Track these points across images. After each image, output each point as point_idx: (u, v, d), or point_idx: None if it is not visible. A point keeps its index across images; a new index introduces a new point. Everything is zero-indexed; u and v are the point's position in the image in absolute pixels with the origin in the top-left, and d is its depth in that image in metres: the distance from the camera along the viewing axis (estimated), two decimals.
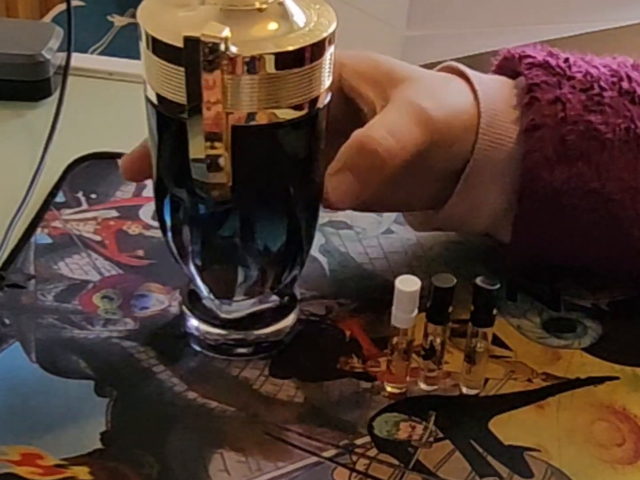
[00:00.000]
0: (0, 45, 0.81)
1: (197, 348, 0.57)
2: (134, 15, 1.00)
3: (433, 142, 0.57)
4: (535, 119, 0.59)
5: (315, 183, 0.55)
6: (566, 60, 0.61)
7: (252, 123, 0.49)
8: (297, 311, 0.59)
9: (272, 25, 0.49)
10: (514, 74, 0.62)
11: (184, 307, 0.58)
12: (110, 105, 0.81)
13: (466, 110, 0.59)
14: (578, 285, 0.64)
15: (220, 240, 0.54)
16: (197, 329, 0.57)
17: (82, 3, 1.01)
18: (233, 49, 0.47)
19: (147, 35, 0.49)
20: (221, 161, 0.49)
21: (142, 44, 0.50)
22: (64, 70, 0.82)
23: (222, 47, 0.46)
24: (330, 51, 0.51)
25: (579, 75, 0.60)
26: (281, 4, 0.50)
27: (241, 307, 0.57)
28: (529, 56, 0.61)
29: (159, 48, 0.49)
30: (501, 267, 0.64)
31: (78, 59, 0.83)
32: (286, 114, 0.50)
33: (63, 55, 0.82)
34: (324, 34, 0.50)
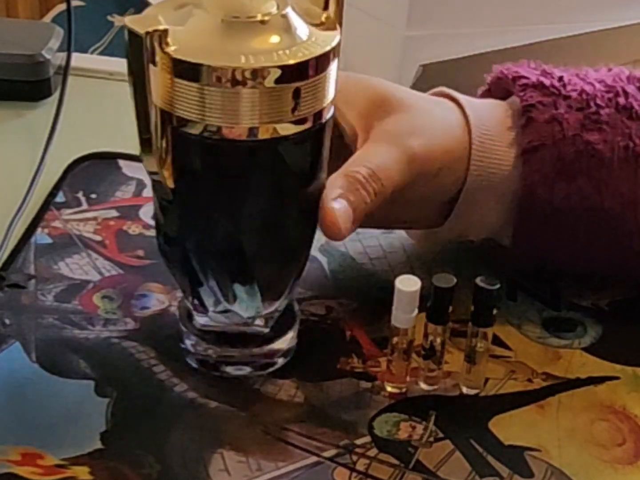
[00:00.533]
0: (0, 45, 0.81)
1: (194, 365, 0.57)
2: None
3: (415, 175, 0.57)
4: (533, 140, 0.58)
5: (316, 200, 0.53)
6: (560, 79, 0.61)
7: (254, 138, 0.49)
8: (295, 329, 0.58)
9: (275, 38, 0.49)
10: (506, 93, 0.62)
11: (180, 324, 0.57)
12: (110, 105, 0.81)
13: (456, 141, 0.58)
14: (578, 285, 0.64)
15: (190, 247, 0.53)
16: (192, 345, 0.57)
17: (82, 3, 1.01)
18: (171, 49, 0.47)
19: (150, 48, 0.48)
20: (152, 147, 0.50)
21: (145, 59, 0.49)
22: (64, 70, 0.82)
23: (148, 42, 0.47)
24: (334, 64, 0.50)
25: (574, 94, 0.60)
26: (284, 16, 0.49)
27: (217, 320, 0.56)
28: (523, 77, 0.61)
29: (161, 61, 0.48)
30: (501, 267, 0.64)
31: (78, 59, 0.83)
32: (289, 128, 0.49)
33: (63, 55, 0.82)
34: (328, 47, 0.49)
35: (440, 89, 0.62)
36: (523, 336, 0.61)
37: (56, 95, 0.80)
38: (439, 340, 0.55)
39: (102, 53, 0.92)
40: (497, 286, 0.54)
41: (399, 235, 0.67)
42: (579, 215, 0.59)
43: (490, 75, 0.63)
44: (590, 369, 0.59)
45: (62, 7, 0.97)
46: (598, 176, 0.58)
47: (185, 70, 0.47)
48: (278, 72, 0.47)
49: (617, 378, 0.58)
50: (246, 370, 0.56)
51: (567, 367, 0.59)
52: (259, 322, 0.56)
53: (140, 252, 0.65)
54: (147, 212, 0.68)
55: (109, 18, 0.99)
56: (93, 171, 0.72)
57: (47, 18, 1.00)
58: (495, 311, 0.55)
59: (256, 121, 0.48)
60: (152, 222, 0.67)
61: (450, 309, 0.54)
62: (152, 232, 0.66)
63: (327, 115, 0.51)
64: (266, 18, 0.49)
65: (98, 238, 0.66)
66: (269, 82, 0.47)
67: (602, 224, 0.59)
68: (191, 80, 0.47)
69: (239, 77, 0.47)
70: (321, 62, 0.49)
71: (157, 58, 0.48)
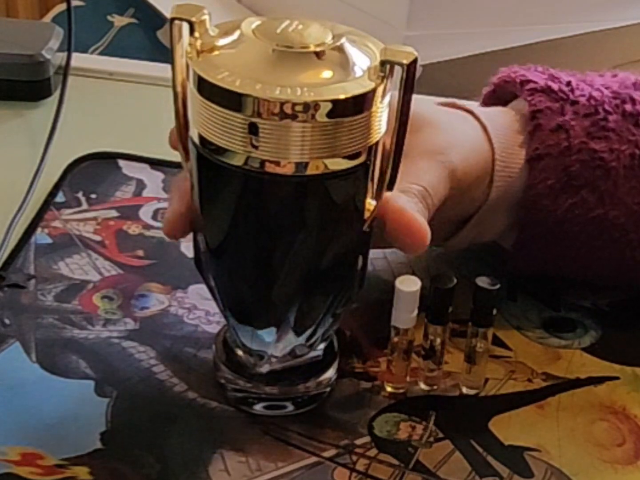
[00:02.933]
0: (0, 45, 0.81)
1: (231, 402, 0.55)
2: (134, 15, 1.00)
3: (451, 190, 0.56)
4: (539, 148, 0.58)
5: (360, 237, 0.51)
6: (568, 83, 0.60)
7: (300, 173, 0.47)
8: (335, 366, 0.56)
9: (328, 70, 0.47)
10: (511, 96, 0.62)
11: (216, 358, 0.55)
12: (110, 105, 0.81)
13: (482, 153, 0.58)
14: (578, 285, 0.64)
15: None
16: (227, 381, 0.55)
17: (82, 3, 1.01)
18: (211, 32, 0.47)
19: (194, 73, 0.47)
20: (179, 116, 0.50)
21: (190, 83, 0.48)
22: (64, 70, 0.82)
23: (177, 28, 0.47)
24: (387, 98, 0.48)
25: (582, 100, 0.59)
26: (339, 47, 0.47)
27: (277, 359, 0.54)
28: (531, 81, 0.60)
29: (204, 87, 0.47)
30: (501, 267, 0.64)
31: (78, 59, 0.83)
32: (340, 163, 0.47)
33: (63, 55, 0.82)
34: (384, 81, 0.47)
35: (450, 101, 0.62)
36: (523, 336, 0.61)
37: (56, 95, 0.80)
38: (439, 340, 0.55)
39: (102, 53, 0.93)
40: (497, 286, 0.53)
41: None
42: (582, 225, 0.58)
43: (496, 76, 0.63)
44: (590, 369, 0.59)
45: (62, 7, 0.97)
46: (603, 187, 0.58)
47: (230, 99, 0.46)
48: (329, 106, 0.45)
49: (617, 378, 0.58)
50: (288, 408, 0.54)
51: (567, 367, 0.59)
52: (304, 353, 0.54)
53: (140, 252, 0.65)
54: (146, 212, 0.68)
55: (109, 18, 1.00)
56: (93, 171, 0.72)
57: (47, 18, 1.00)
58: (495, 311, 0.55)
59: (306, 156, 0.46)
60: (151, 222, 0.67)
61: (450, 309, 0.54)
62: (152, 232, 0.67)
63: (380, 147, 0.49)
64: (319, 49, 0.47)
65: (98, 238, 0.66)
66: (321, 116, 0.45)
67: (605, 235, 0.59)
68: (235, 111, 0.46)
69: (287, 110, 0.45)
70: (375, 96, 0.47)
71: (192, 74, 0.47)
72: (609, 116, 0.59)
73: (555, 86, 0.60)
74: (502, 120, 0.60)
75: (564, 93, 0.59)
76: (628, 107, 0.59)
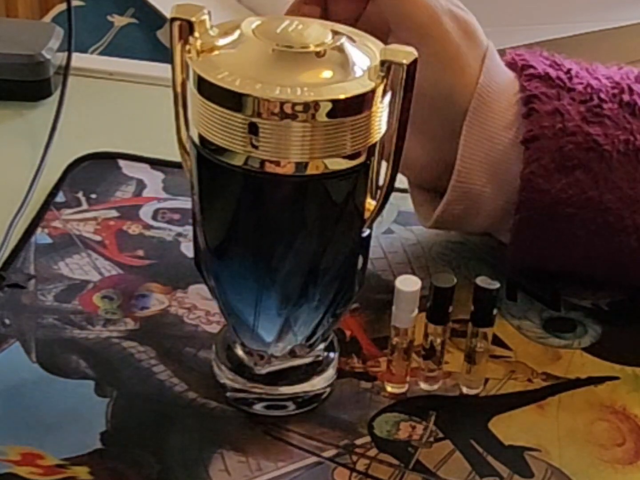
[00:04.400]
0: (0, 45, 0.81)
1: (231, 402, 0.55)
2: (134, 15, 1.00)
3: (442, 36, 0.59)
4: (534, 129, 0.58)
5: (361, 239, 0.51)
6: (568, 71, 0.61)
7: (300, 173, 0.47)
8: (334, 367, 0.55)
9: (328, 70, 0.47)
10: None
11: (216, 358, 0.55)
12: (110, 105, 0.81)
13: (473, 56, 0.60)
14: (578, 285, 0.64)
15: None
16: (228, 380, 0.55)
17: (82, 3, 1.01)
18: (211, 32, 0.47)
19: (194, 73, 0.47)
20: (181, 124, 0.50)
21: (190, 83, 0.48)
22: (64, 70, 0.82)
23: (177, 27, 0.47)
24: (387, 97, 0.48)
25: (579, 87, 0.60)
26: (339, 47, 0.48)
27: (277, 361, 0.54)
28: (531, 66, 0.61)
29: (204, 87, 0.47)
30: (501, 267, 0.64)
31: (78, 59, 0.83)
32: (340, 163, 0.47)
33: (63, 55, 0.82)
34: (384, 81, 0.47)
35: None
36: (523, 336, 0.61)
37: (56, 95, 0.80)
38: (439, 340, 0.55)
39: (102, 53, 0.92)
40: (497, 286, 0.54)
41: (399, 236, 0.67)
42: (577, 209, 0.59)
43: (503, 58, 0.64)
44: (590, 369, 0.59)
45: (62, 7, 0.97)
46: (597, 169, 0.58)
47: (230, 99, 0.46)
48: (329, 106, 0.45)
49: (617, 378, 0.58)
50: (288, 408, 0.54)
51: (567, 367, 0.59)
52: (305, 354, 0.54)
53: (140, 252, 0.65)
54: (147, 212, 0.68)
55: (109, 18, 1.00)
56: (93, 171, 0.72)
57: (47, 18, 1.00)
58: (495, 311, 0.55)
59: (306, 156, 0.47)
60: (151, 222, 0.67)
61: (450, 309, 0.54)
62: (152, 232, 0.67)
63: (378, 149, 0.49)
64: (319, 49, 0.47)
65: (98, 238, 0.66)
66: (321, 116, 0.46)
67: (600, 219, 0.59)
68: (235, 111, 0.46)
69: (287, 110, 0.45)
70: (375, 96, 0.47)
71: (192, 75, 0.47)
72: (604, 104, 0.59)
73: (553, 73, 0.60)
74: (503, 76, 0.61)
75: (562, 80, 0.60)
76: (626, 96, 0.60)
